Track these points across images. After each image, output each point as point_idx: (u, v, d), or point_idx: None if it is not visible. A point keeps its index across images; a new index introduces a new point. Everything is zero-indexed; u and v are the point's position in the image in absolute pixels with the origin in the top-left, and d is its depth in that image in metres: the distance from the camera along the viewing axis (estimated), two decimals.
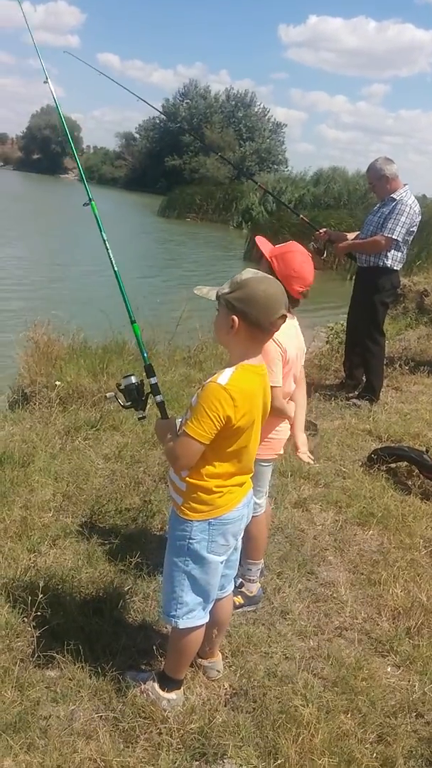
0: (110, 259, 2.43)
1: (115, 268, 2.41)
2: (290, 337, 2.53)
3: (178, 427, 2.07)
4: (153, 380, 2.25)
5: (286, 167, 54.46)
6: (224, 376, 1.93)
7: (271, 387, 2.25)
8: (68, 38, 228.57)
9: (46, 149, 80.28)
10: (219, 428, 1.91)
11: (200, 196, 33.07)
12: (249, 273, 1.96)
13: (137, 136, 64.27)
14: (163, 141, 58.44)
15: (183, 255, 19.33)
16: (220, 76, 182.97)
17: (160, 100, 61.20)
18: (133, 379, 2.28)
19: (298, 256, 2.50)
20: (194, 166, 52.24)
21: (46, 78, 2.81)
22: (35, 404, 4.89)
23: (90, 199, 2.60)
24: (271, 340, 2.21)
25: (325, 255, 5.79)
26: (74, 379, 5.18)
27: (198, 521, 2.04)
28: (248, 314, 1.92)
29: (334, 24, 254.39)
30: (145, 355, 2.37)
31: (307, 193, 27.70)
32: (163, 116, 55.54)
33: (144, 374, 2.29)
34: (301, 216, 6.85)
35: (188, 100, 59.54)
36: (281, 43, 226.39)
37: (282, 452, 2.87)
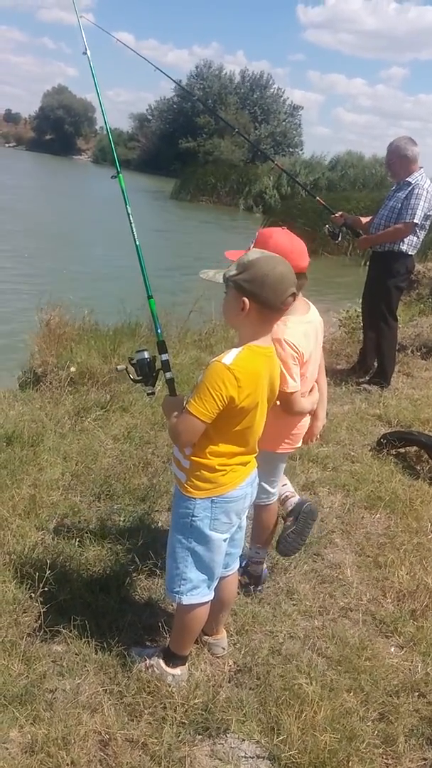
0: (132, 232, 2.41)
1: (137, 242, 2.40)
2: (307, 337, 2.46)
3: (184, 405, 2.08)
4: (164, 357, 2.26)
5: (302, 150, 53.86)
6: (229, 356, 1.92)
7: (290, 393, 2.32)
8: (83, 17, 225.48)
9: (59, 130, 79.82)
10: (221, 408, 1.91)
11: (214, 178, 32.80)
12: (256, 253, 1.94)
13: (150, 117, 63.69)
14: (177, 122, 57.90)
15: (195, 238, 19.23)
16: (237, 57, 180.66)
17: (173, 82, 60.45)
18: (146, 354, 2.29)
19: (280, 237, 2.33)
20: (208, 149, 51.77)
21: (86, 49, 2.78)
22: (46, 385, 4.92)
23: (118, 172, 2.58)
24: (286, 345, 2.25)
25: (339, 239, 5.74)
26: (84, 361, 5.19)
27: (201, 499, 2.05)
28: (258, 295, 1.90)
29: (354, 5, 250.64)
30: (159, 331, 2.35)
31: (322, 177, 27.43)
32: (182, 93, 55.04)
33: (156, 351, 2.29)
34: (318, 198, 6.77)
35: (202, 81, 58.80)
36: (299, 23, 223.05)
37: (300, 444, 2.83)
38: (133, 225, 2.42)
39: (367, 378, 5.69)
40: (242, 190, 31.12)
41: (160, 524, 3.27)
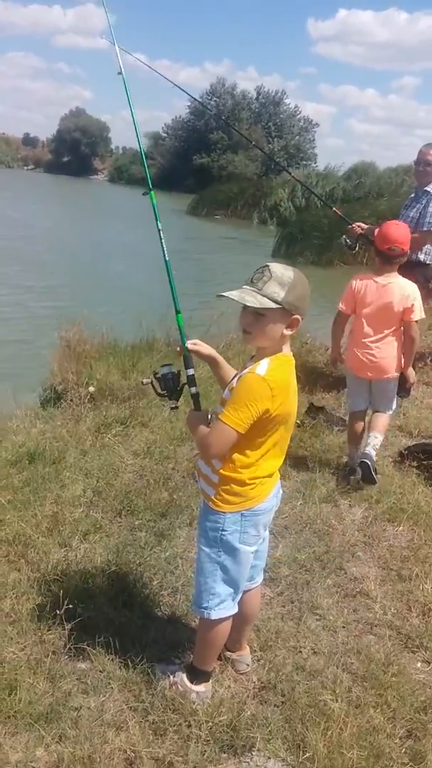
0: (162, 248, 2.43)
1: (167, 258, 2.42)
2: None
3: (209, 420, 2.09)
4: (190, 372, 2.26)
5: (315, 163, 54.02)
6: (262, 368, 1.93)
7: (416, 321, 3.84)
8: (97, 41, 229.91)
9: (75, 151, 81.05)
10: (255, 419, 1.92)
11: (229, 193, 33.03)
12: (287, 269, 1.95)
13: (165, 135, 64.44)
14: (190, 139, 58.50)
15: (211, 253, 19.35)
16: (248, 73, 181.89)
17: (186, 100, 61.38)
18: (170, 369, 2.30)
19: (383, 227, 3.96)
20: (222, 164, 52.23)
21: (121, 70, 2.83)
22: (66, 402, 4.97)
23: (150, 189, 2.62)
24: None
25: (356, 250, 5.73)
26: (104, 377, 5.24)
27: (230, 513, 2.06)
28: (303, 310, 1.95)
29: (365, 17, 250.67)
30: (186, 345, 2.33)
31: (337, 188, 27.47)
32: (196, 110, 55.65)
33: (182, 365, 2.30)
34: (334, 209, 6.77)
35: (216, 98, 59.42)
36: (310, 37, 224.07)
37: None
38: (163, 241, 2.45)
39: None
40: (257, 203, 31.26)
41: (181, 539, 3.27)
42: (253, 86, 70.16)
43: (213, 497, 2.07)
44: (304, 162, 55.73)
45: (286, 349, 2.03)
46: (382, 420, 4.09)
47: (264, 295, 1.89)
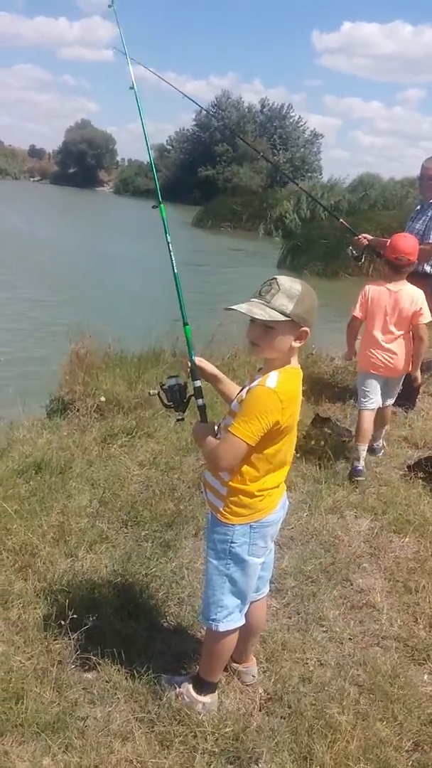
0: (171, 260, 2.45)
1: (175, 270, 2.44)
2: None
3: (216, 432, 2.11)
4: (197, 383, 2.28)
5: (321, 175, 54.27)
6: (272, 380, 1.94)
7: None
8: (103, 53, 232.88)
9: (81, 163, 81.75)
10: (266, 431, 1.93)
11: (236, 206, 33.23)
12: (294, 282, 1.96)
13: (170, 147, 64.92)
14: (195, 152, 58.90)
15: (218, 265, 19.44)
16: (254, 86, 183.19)
17: (192, 112, 61.90)
18: (177, 381, 2.32)
19: (393, 238, 4.36)
20: (227, 176, 52.52)
21: (133, 84, 2.88)
22: (73, 413, 4.99)
23: (159, 202, 2.65)
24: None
25: (362, 261, 5.76)
26: (110, 388, 5.27)
27: (240, 525, 2.07)
28: (311, 322, 1.97)
29: (370, 29, 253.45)
30: (193, 357, 2.34)
31: (342, 200, 27.60)
32: (201, 123, 56.05)
33: (189, 378, 2.32)
34: (341, 220, 6.81)
35: (221, 111, 59.87)
36: (315, 50, 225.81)
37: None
38: (172, 253, 2.47)
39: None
40: (262, 215, 31.43)
41: (187, 550, 3.28)
42: (258, 99, 70.50)
43: (221, 509, 2.08)
44: (309, 174, 55.97)
45: (294, 362, 2.04)
46: (387, 412, 4.65)
47: (272, 308, 1.91)
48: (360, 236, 5.49)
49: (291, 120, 61.67)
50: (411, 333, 4.27)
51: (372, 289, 4.30)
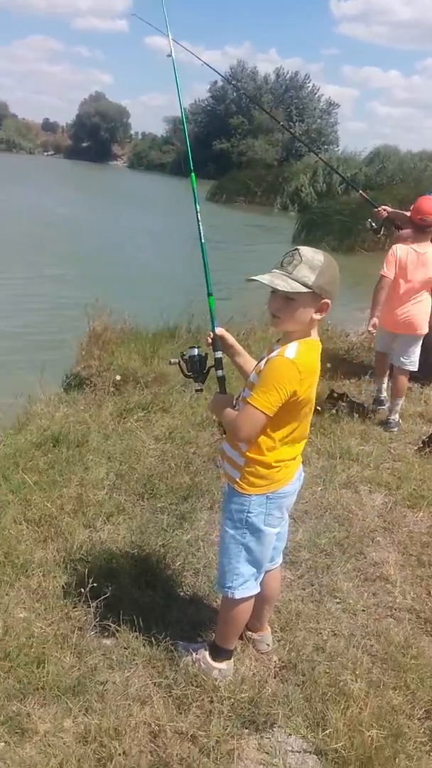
0: (199, 230, 2.45)
1: (203, 240, 2.44)
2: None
3: (234, 403, 2.12)
4: (218, 354, 2.29)
5: (337, 147, 53.26)
6: (291, 351, 1.95)
7: None
8: (116, 23, 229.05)
9: (95, 137, 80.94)
10: (284, 401, 1.94)
11: (251, 180, 32.77)
12: (317, 253, 1.95)
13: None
14: (210, 125, 58.03)
15: (234, 239, 19.28)
16: (269, 55, 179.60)
17: (207, 83, 60.90)
18: (198, 351, 2.33)
19: (418, 200, 4.65)
20: (242, 149, 51.80)
21: (171, 52, 2.85)
22: (89, 387, 5.04)
23: (191, 170, 2.64)
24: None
25: (381, 233, 5.68)
26: (125, 363, 5.30)
27: (256, 495, 2.09)
28: (333, 293, 1.96)
29: None
30: (215, 328, 2.34)
31: (359, 173, 27.11)
32: (217, 94, 55.06)
33: (210, 349, 2.33)
34: (361, 192, 6.71)
35: (237, 81, 58.79)
36: (332, 17, 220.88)
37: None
38: (200, 224, 2.47)
39: None
40: (277, 189, 31.01)
41: (202, 522, 3.32)
42: (273, 69, 69.06)
43: (238, 480, 2.10)
44: (326, 146, 54.99)
45: (314, 334, 2.04)
46: (402, 382, 4.75)
47: (294, 279, 1.90)
48: (380, 208, 5.41)
49: (307, 90, 60.45)
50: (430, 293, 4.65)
51: (400, 249, 4.56)
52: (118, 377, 5.00)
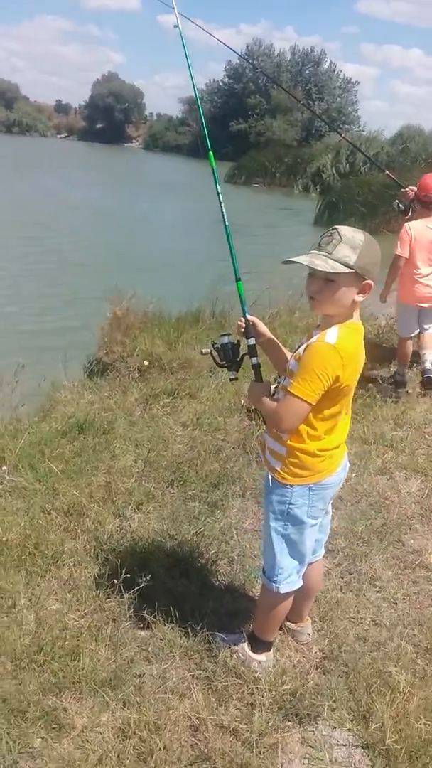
0: (222, 212, 2.35)
1: (227, 223, 2.34)
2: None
3: (272, 391, 2.03)
4: (251, 341, 2.19)
5: (359, 126, 52.24)
6: (332, 336, 1.84)
7: None
8: (129, 1, 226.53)
9: (109, 118, 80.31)
10: (326, 388, 1.84)
11: (270, 160, 32.30)
12: (356, 232, 1.84)
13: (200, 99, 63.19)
14: (227, 105, 57.31)
15: (253, 222, 19.06)
16: (286, 33, 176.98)
17: (223, 63, 60.04)
18: (229, 339, 2.23)
19: (423, 178, 4.77)
20: (260, 129, 51.10)
21: (177, 22, 2.75)
22: (113, 373, 4.98)
23: (208, 149, 2.54)
24: None
25: (410, 215, 5.50)
26: (149, 348, 5.22)
27: (299, 486, 2.00)
28: (373, 274, 1.86)
29: None
30: (247, 314, 2.24)
31: (381, 152, 26.54)
32: (233, 74, 54.19)
33: (242, 336, 2.22)
34: (387, 172, 6.53)
35: (254, 60, 57.88)
36: None
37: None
38: (222, 205, 2.36)
39: None
40: (296, 170, 30.54)
41: (234, 510, 3.25)
42: (290, 47, 67.68)
43: (280, 470, 2.01)
44: (347, 126, 54.00)
45: (356, 317, 1.93)
46: (428, 336, 5.02)
47: (335, 260, 1.79)
48: (407, 189, 5.27)
49: (324, 67, 59.33)
50: None
51: (414, 227, 4.67)
52: (146, 362, 4.93)
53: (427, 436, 4.25)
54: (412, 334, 5.00)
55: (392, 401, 4.69)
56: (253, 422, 4.10)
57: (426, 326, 5.00)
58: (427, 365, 5.00)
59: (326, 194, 22.02)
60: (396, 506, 3.41)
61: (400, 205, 5.32)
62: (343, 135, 10.78)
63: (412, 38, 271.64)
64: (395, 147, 28.04)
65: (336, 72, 59.67)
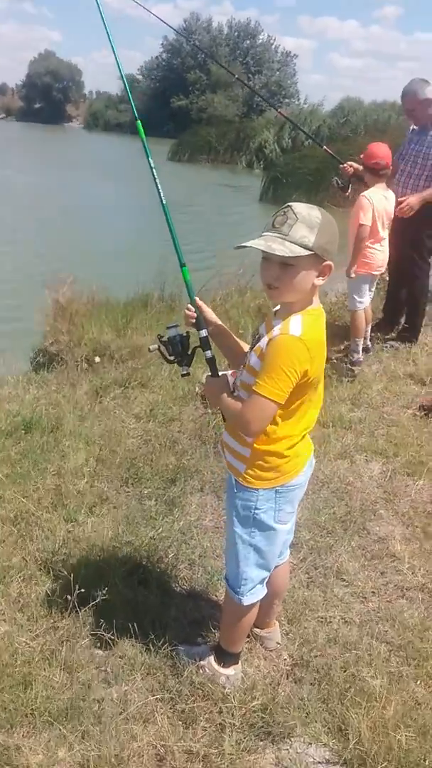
0: (158, 189, 2.11)
1: (164, 201, 2.10)
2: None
3: (233, 388, 1.86)
4: (203, 333, 1.98)
5: (298, 100, 52.00)
6: (296, 326, 1.68)
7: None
8: None
9: (47, 97, 77.71)
10: (294, 384, 1.68)
11: (213, 137, 31.84)
12: (312, 209, 1.67)
13: (140, 77, 61.71)
14: (167, 80, 56.20)
15: (198, 201, 18.72)
16: (223, 7, 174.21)
17: (160, 38, 58.65)
18: (177, 331, 2.03)
19: (369, 147, 4.70)
20: (202, 105, 50.36)
21: None
22: (60, 365, 4.72)
23: (136, 118, 2.30)
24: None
25: (349, 192, 5.35)
26: (97, 337, 4.98)
27: (264, 489, 1.84)
28: (333, 254, 1.69)
29: None
30: (196, 301, 2.03)
31: (323, 125, 26.49)
32: (171, 49, 52.85)
33: (192, 327, 2.02)
34: (324, 147, 6.34)
35: (192, 35, 56.76)
36: None
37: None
38: (157, 180, 2.13)
39: (393, 335, 5.42)
40: (240, 146, 30.22)
41: (193, 506, 3.10)
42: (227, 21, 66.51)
43: (243, 473, 1.85)
44: (287, 100, 53.77)
45: (316, 301, 1.77)
46: (370, 309, 5.03)
47: (292, 242, 1.62)
48: (345, 164, 5.04)
49: (261, 39, 58.73)
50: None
51: (373, 197, 4.59)
52: (97, 359, 4.68)
53: (385, 416, 4.17)
54: (366, 306, 4.90)
55: (348, 381, 4.61)
56: (209, 410, 3.94)
57: (370, 295, 4.96)
58: (367, 342, 5.05)
59: (269, 170, 21.87)
60: (359, 492, 3.31)
61: (339, 182, 5.13)
62: (279, 110, 10.51)
63: (347, 10, 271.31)
64: (336, 119, 28.06)
65: (274, 45, 59.19)
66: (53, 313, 5.40)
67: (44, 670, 2.10)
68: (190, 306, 2.00)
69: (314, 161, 17.78)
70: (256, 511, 1.86)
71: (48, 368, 4.93)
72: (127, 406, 4.10)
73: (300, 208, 1.66)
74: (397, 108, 29.38)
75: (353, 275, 4.68)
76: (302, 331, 1.67)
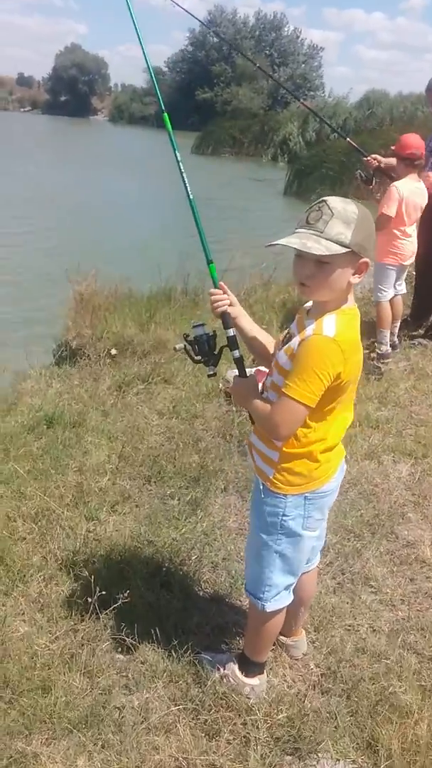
0: (185, 183, 2.03)
1: (191, 196, 2.03)
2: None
3: (262, 390, 1.78)
4: (230, 332, 1.89)
5: (323, 93, 51.38)
6: (329, 327, 1.59)
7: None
8: None
9: (73, 90, 78.00)
10: (327, 387, 1.60)
11: (237, 130, 31.62)
12: (347, 203, 1.58)
13: (166, 69, 61.50)
14: (192, 73, 55.96)
15: (224, 195, 18.57)
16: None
17: (186, 30, 58.39)
18: (204, 330, 1.95)
19: (402, 137, 4.66)
20: (226, 98, 50.04)
21: None
22: (83, 359, 4.67)
23: (163, 111, 2.22)
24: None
25: (374, 184, 5.20)
26: (120, 331, 4.92)
27: (293, 495, 1.76)
28: (370, 251, 1.62)
29: None
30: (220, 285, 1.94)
31: (349, 118, 26.14)
32: (196, 42, 52.56)
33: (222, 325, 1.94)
34: (348, 139, 6.19)
35: (217, 27, 56.38)
36: None
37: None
38: (184, 174, 2.05)
39: (421, 332, 5.29)
40: (265, 139, 29.96)
41: (217, 507, 3.03)
42: (254, 12, 66.03)
43: (272, 477, 1.77)
44: (311, 93, 53.18)
45: (351, 300, 1.68)
46: (401, 303, 4.99)
47: (328, 239, 1.53)
48: (369, 157, 4.91)
49: (287, 32, 58.16)
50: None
51: (403, 188, 4.52)
52: (113, 351, 4.62)
53: (413, 415, 4.06)
54: (391, 297, 4.83)
55: (375, 378, 4.50)
56: (233, 408, 3.86)
57: (399, 287, 4.88)
58: (395, 338, 4.97)
59: (294, 163, 21.63)
60: (386, 494, 3.21)
61: (363, 175, 4.99)
62: (302, 102, 10.36)
63: (374, 1, 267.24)
64: (361, 112, 27.68)
65: (300, 38, 58.56)
66: (76, 306, 5.35)
67: (64, 674, 2.05)
68: (214, 290, 1.90)
69: (339, 154, 17.52)
70: (284, 518, 1.78)
71: (70, 362, 4.88)
72: (150, 402, 4.04)
73: (335, 202, 1.57)
74: (422, 100, 28.94)
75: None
76: (336, 331, 1.58)
